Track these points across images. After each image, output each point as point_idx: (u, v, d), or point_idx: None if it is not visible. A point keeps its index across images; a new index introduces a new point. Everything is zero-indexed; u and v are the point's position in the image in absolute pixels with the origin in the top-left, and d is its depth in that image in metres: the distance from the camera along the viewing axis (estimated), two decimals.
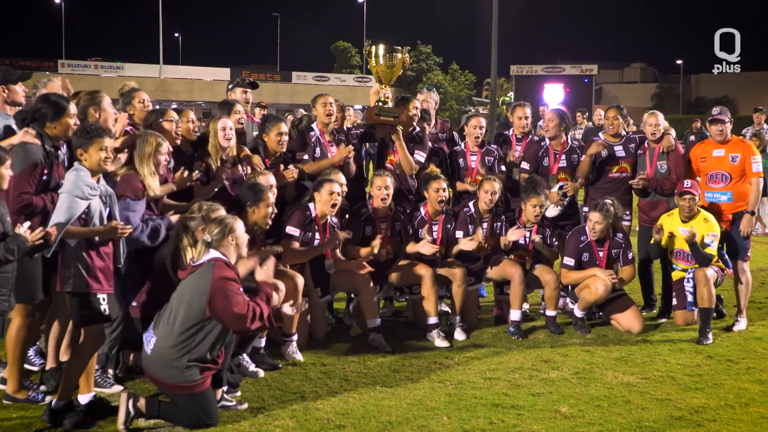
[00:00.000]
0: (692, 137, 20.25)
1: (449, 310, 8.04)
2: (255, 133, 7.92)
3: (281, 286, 6.27)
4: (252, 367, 6.35)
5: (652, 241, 8.06)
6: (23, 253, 4.82)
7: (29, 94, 6.55)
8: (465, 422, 5.40)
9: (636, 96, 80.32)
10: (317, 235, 7.15)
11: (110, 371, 6.03)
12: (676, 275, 8.08)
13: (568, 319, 8.12)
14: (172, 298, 5.27)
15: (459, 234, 7.91)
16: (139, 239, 5.89)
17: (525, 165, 8.56)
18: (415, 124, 8.19)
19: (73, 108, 5.60)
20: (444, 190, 7.78)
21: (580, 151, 8.60)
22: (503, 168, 8.54)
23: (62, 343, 5.95)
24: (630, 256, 8.02)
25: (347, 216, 7.77)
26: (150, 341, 5.23)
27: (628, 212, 8.48)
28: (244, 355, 6.31)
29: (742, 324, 7.95)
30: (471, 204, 8.04)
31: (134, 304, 5.92)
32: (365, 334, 7.36)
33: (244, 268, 5.56)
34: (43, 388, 5.79)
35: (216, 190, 6.79)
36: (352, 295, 7.94)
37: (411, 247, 7.67)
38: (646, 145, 8.44)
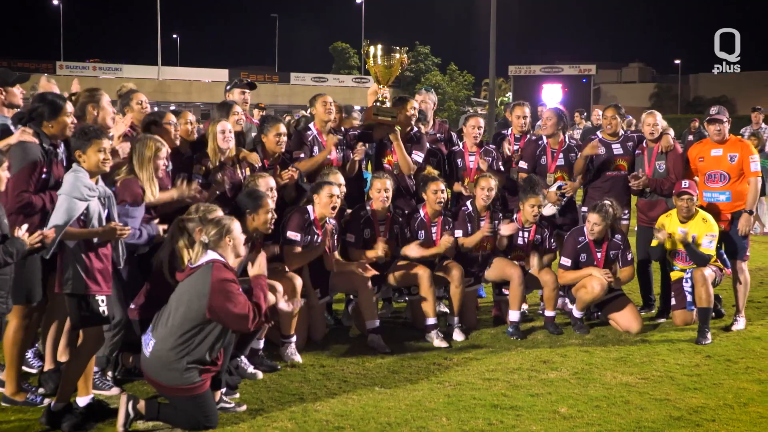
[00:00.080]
0: (690, 137, 20.26)
1: (448, 311, 8.03)
2: (253, 134, 7.92)
3: (279, 287, 6.26)
4: (250, 369, 6.34)
5: (654, 244, 8.02)
6: (21, 255, 4.82)
7: (27, 95, 6.55)
8: (464, 423, 5.40)
9: (634, 96, 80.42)
10: (318, 238, 7.15)
11: (109, 373, 6.03)
12: (674, 275, 8.08)
13: (567, 319, 8.12)
14: (170, 300, 5.27)
15: (458, 233, 7.91)
16: (135, 245, 5.87)
17: (523, 164, 8.56)
18: (413, 124, 8.19)
19: (69, 107, 5.60)
20: (443, 191, 7.78)
21: (578, 149, 8.59)
22: (501, 168, 8.54)
23: (60, 343, 5.95)
24: (629, 257, 8.01)
25: (346, 212, 7.73)
26: (148, 344, 5.22)
27: (626, 212, 8.48)
28: (243, 356, 6.30)
29: (740, 324, 7.95)
30: (469, 203, 8.05)
31: (132, 306, 5.91)
32: (364, 336, 7.36)
33: (234, 266, 5.53)
34: (41, 390, 5.78)
35: (218, 192, 6.80)
36: (351, 297, 7.94)
37: (415, 250, 7.66)
38: (644, 144, 8.44)
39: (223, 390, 5.61)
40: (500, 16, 29.80)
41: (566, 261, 7.94)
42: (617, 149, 8.47)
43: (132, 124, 6.83)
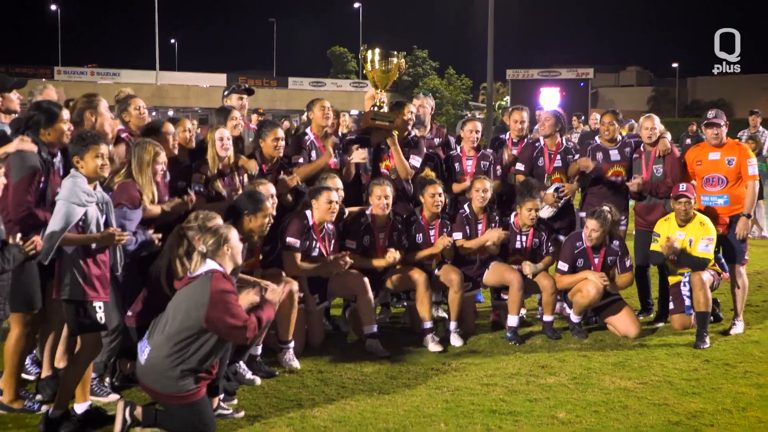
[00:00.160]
0: (688, 140, 20.27)
1: (446, 316, 8.03)
2: (250, 140, 7.93)
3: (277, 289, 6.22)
4: (249, 375, 6.33)
5: (654, 248, 8.01)
6: (18, 262, 4.82)
7: (25, 101, 6.54)
8: (462, 429, 5.39)
9: (632, 99, 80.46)
10: (316, 243, 7.15)
11: (107, 380, 6.02)
12: (672, 279, 8.08)
13: (565, 324, 8.11)
14: (167, 308, 5.25)
15: (457, 236, 7.91)
16: (131, 251, 5.86)
17: (520, 166, 8.55)
18: (410, 128, 8.19)
19: (65, 114, 5.59)
20: (440, 194, 7.78)
21: (575, 152, 8.59)
22: (499, 172, 8.54)
23: (57, 349, 5.94)
24: (627, 263, 8.00)
25: (346, 212, 7.72)
26: (144, 351, 5.21)
27: (624, 217, 8.47)
28: (241, 362, 6.29)
29: (739, 327, 7.95)
30: (466, 205, 8.05)
31: (130, 313, 5.90)
32: (362, 341, 7.35)
33: (246, 302, 5.51)
34: (39, 397, 5.77)
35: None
36: (349, 302, 7.93)
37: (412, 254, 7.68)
38: (641, 148, 8.44)
39: (221, 396, 5.60)
40: (498, 20, 29.88)
41: (563, 266, 7.93)
42: (615, 155, 8.46)
43: (130, 130, 6.83)
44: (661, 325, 8.25)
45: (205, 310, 5.03)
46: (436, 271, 7.80)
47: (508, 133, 9.10)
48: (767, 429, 5.46)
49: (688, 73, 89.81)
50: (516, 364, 6.89)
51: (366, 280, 7.33)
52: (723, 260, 8.10)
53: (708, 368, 6.79)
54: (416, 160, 8.12)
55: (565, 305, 8.27)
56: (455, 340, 7.56)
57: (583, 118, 19.90)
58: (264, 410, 5.72)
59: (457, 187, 8.51)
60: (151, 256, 6.01)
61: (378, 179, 7.71)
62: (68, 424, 5.19)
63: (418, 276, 7.51)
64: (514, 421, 5.52)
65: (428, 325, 7.47)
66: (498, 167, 8.56)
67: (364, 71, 8.28)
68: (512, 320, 7.73)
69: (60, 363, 5.89)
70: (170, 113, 53.98)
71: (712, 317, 7.91)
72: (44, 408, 5.48)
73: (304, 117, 8.61)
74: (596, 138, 8.74)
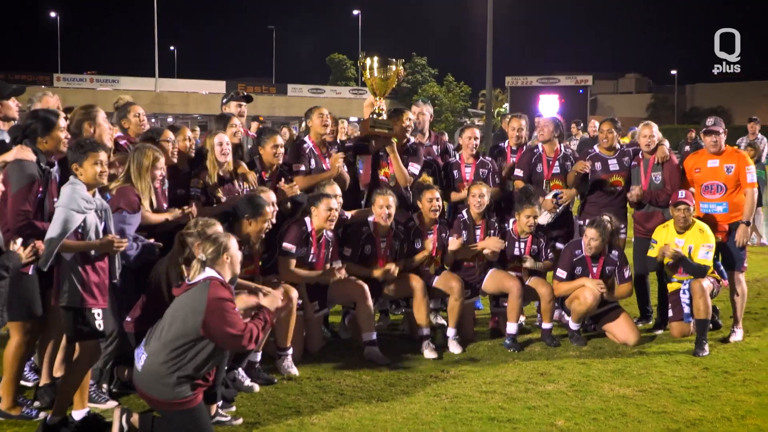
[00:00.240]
0: (687, 147, 20.28)
1: (445, 323, 8.02)
2: (249, 147, 7.93)
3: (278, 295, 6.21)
4: (247, 382, 6.32)
5: (651, 254, 8.01)
6: (16, 270, 4.82)
7: (24, 108, 6.54)
8: None
9: (631, 106, 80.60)
10: (312, 249, 7.14)
11: (104, 386, 6.01)
12: (672, 286, 8.07)
13: (564, 331, 8.10)
14: (165, 314, 5.23)
15: (455, 239, 7.90)
16: (128, 257, 5.85)
17: (518, 172, 8.55)
18: (408, 135, 8.20)
19: (62, 121, 5.59)
20: (438, 199, 7.77)
21: (573, 158, 8.60)
22: (497, 180, 8.54)
23: (56, 358, 5.93)
24: (626, 274, 7.98)
25: (345, 215, 7.72)
26: (141, 357, 5.19)
27: (623, 225, 8.45)
28: (240, 369, 6.28)
29: (738, 335, 7.94)
30: (464, 211, 8.06)
31: (128, 319, 5.90)
32: (361, 348, 7.34)
33: (244, 304, 5.50)
34: (37, 404, 5.76)
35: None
36: (348, 309, 7.92)
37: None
38: (640, 156, 8.44)
39: (220, 403, 5.59)
40: (497, 28, 29.94)
41: (562, 273, 7.93)
42: (613, 165, 8.45)
43: (129, 138, 6.83)
44: (660, 332, 8.24)
45: (202, 318, 5.01)
46: (436, 278, 7.79)
47: (507, 141, 9.10)
48: None
49: (687, 80, 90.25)
50: (515, 372, 6.89)
51: (366, 287, 7.33)
52: (722, 267, 8.09)
53: (707, 376, 6.78)
54: (415, 168, 8.12)
55: (563, 313, 8.26)
56: (454, 347, 7.55)
57: (582, 125, 19.90)
58: (262, 417, 5.71)
59: (455, 196, 8.51)
60: (148, 263, 6.01)
61: (381, 189, 7.70)
62: (66, 431, 5.18)
63: (416, 283, 7.51)
64: (512, 429, 5.51)
65: (425, 331, 7.46)
66: (496, 177, 8.55)
67: (363, 78, 8.29)
68: (511, 327, 7.72)
69: (58, 372, 5.88)
70: (169, 120, 54.09)
71: (711, 325, 7.90)
72: (42, 415, 5.47)
73: (303, 125, 8.62)
74: (595, 147, 8.73)
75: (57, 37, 79.37)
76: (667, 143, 8.63)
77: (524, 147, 8.87)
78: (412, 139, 8.34)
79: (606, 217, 7.85)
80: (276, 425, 5.55)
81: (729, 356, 7.38)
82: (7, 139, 5.76)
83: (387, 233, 7.64)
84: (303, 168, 7.72)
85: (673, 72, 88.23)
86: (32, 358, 6.32)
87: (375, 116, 7.96)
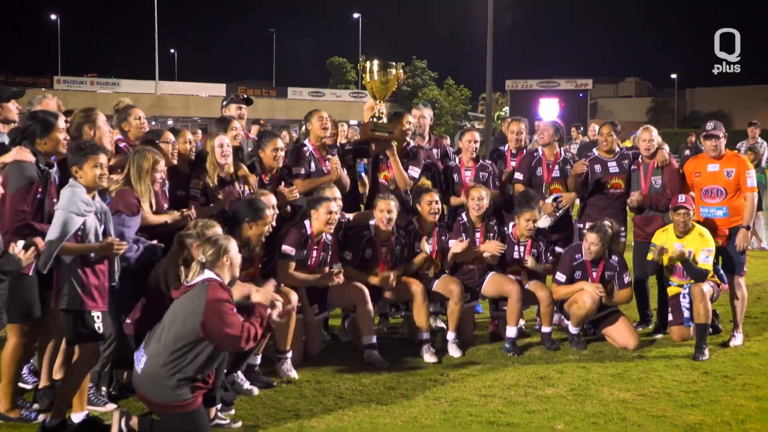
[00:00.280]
0: (687, 151, 20.29)
1: (444, 326, 8.01)
2: (249, 149, 7.93)
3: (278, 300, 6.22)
4: (246, 385, 6.31)
5: (650, 257, 8.01)
6: (17, 269, 4.82)
7: (24, 110, 6.54)
8: None
9: (631, 110, 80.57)
10: (312, 253, 7.14)
11: (104, 389, 6.01)
12: (671, 291, 8.06)
13: (564, 335, 8.10)
14: (164, 316, 5.23)
15: (454, 242, 7.90)
16: (129, 258, 5.85)
17: (518, 175, 8.55)
18: (408, 138, 8.20)
19: (61, 123, 5.59)
20: (437, 202, 7.77)
21: (573, 162, 8.60)
22: (497, 183, 8.54)
23: (56, 361, 5.92)
24: (626, 279, 7.98)
25: (346, 216, 7.72)
26: (140, 360, 5.19)
27: (623, 229, 8.45)
28: (239, 372, 6.28)
29: (738, 339, 7.93)
30: (464, 214, 8.06)
31: (128, 321, 5.90)
32: (360, 351, 7.34)
33: (239, 293, 5.52)
34: (36, 406, 5.76)
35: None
36: (348, 312, 7.91)
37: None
38: (639, 160, 8.44)
39: (219, 406, 5.59)
40: (497, 31, 29.95)
41: (561, 276, 7.92)
42: (613, 167, 8.46)
43: (128, 140, 6.83)
44: (659, 336, 8.23)
45: (201, 319, 5.01)
46: (435, 281, 7.79)
47: (507, 145, 9.10)
48: None
49: (687, 84, 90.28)
50: (514, 375, 6.88)
51: (365, 290, 7.33)
52: (722, 272, 8.09)
53: (707, 380, 6.77)
54: (415, 171, 8.12)
55: (563, 316, 8.26)
56: (454, 351, 7.54)
57: (582, 129, 19.90)
58: (262, 420, 5.71)
59: (454, 201, 8.51)
60: (148, 265, 6.01)
61: (383, 193, 7.70)
62: None
63: (416, 287, 7.50)
64: None
65: (425, 335, 7.45)
66: (496, 181, 8.55)
67: (363, 82, 8.29)
68: (511, 331, 7.72)
69: (57, 374, 5.87)
70: (170, 123, 54.09)
71: (711, 329, 7.90)
72: (41, 417, 5.47)
73: (303, 128, 8.62)
74: (594, 150, 8.73)
75: (57, 39, 79.53)
76: (666, 147, 8.62)
77: (524, 150, 8.87)
78: (412, 143, 8.34)
79: (607, 222, 7.84)
80: (275, 428, 5.55)
81: (729, 360, 7.37)
82: (7, 142, 5.76)
83: (388, 238, 7.63)
84: (303, 171, 7.72)
85: (673, 76, 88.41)
86: (31, 361, 6.32)
87: (375, 119, 7.96)
